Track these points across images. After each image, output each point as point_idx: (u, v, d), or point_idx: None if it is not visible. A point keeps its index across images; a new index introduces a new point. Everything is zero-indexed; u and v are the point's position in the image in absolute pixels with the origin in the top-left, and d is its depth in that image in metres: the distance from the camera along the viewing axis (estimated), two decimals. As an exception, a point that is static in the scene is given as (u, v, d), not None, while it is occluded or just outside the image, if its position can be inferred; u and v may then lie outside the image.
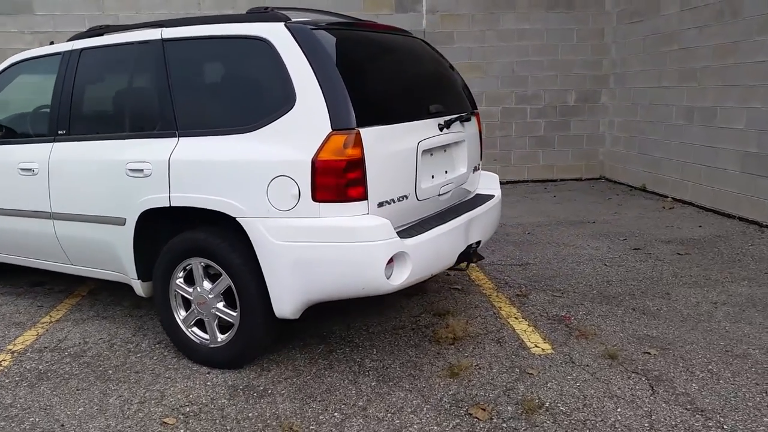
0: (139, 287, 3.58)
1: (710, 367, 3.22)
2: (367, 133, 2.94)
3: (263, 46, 3.08)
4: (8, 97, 4.17)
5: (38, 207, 3.82)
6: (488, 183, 4.25)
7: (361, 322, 3.92)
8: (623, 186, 8.71)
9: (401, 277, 3.01)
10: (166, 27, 3.48)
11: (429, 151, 3.43)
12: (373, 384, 3.15)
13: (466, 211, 3.63)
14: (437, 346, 3.56)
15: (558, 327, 3.77)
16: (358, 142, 2.89)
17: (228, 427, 2.80)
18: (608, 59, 8.97)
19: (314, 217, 2.92)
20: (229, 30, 3.23)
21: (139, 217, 3.36)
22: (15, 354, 3.63)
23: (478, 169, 4.14)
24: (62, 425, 2.86)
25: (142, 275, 3.54)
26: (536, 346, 3.51)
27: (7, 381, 3.31)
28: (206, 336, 3.37)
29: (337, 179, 2.88)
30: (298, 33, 3.03)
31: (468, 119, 3.82)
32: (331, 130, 2.88)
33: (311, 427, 2.78)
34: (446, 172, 3.65)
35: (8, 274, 5.07)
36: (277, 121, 3.00)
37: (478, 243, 3.74)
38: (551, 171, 9.28)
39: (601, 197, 7.98)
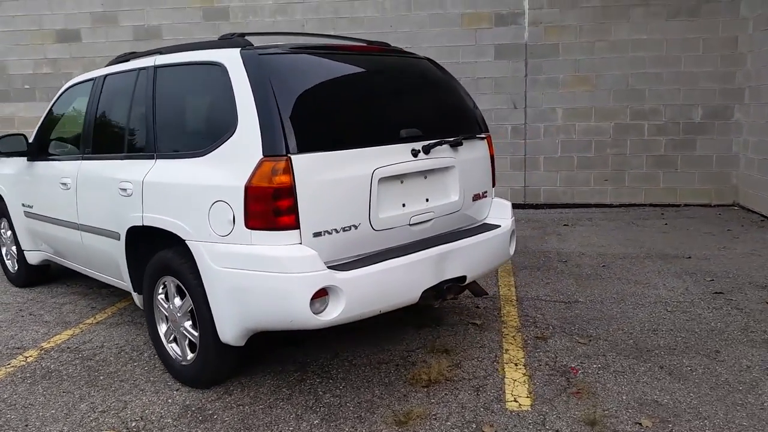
0: (136, 299, 3.77)
1: (705, 452, 2.64)
2: (301, 160, 2.83)
3: (219, 71, 3.12)
4: (67, 116, 4.64)
5: (71, 218, 4.20)
6: (498, 211, 3.89)
7: (351, 352, 3.78)
8: (756, 215, 7.53)
9: (333, 313, 2.85)
10: (162, 53, 3.66)
11: (398, 178, 3.23)
12: (315, 422, 3.01)
13: (444, 243, 3.34)
14: (409, 387, 3.32)
15: (556, 380, 3.33)
16: (287, 170, 2.79)
17: (154, 448, 2.84)
18: (743, 71, 7.82)
19: (247, 244, 2.88)
20: (198, 56, 3.32)
21: (127, 233, 3.55)
22: (42, 351, 4.01)
23: (484, 196, 3.80)
24: (26, 425, 3.09)
25: (137, 288, 3.73)
26: (515, 401, 3.13)
27: (19, 376, 3.66)
28: (180, 353, 3.46)
29: (266, 207, 2.80)
30: (247, 59, 3.02)
31: (459, 144, 3.53)
32: (262, 156, 2.82)
33: (226, 459, 2.72)
34: (427, 200, 3.40)
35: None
36: (222, 145, 3.01)
37: (462, 279, 3.42)
38: (673, 195, 8.29)
39: (719, 228, 6.95)
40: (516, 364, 3.54)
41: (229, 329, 3.01)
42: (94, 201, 3.91)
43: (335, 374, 3.51)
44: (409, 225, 3.29)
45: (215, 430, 2.97)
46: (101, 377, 3.60)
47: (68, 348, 4.05)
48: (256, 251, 2.84)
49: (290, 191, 2.80)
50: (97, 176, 3.89)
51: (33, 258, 5.10)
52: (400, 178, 3.25)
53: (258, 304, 2.89)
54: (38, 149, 4.70)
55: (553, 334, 3.96)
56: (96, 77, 4.19)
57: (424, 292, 3.22)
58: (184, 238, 3.12)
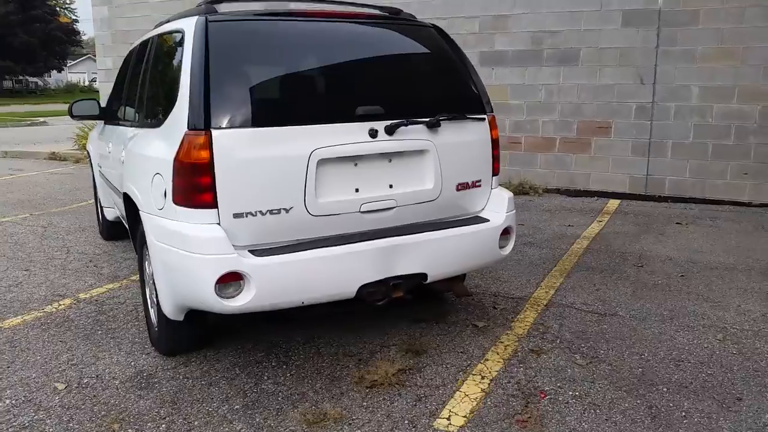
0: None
1: None
2: (223, 136, 2.72)
3: (181, 39, 3.08)
4: (120, 83, 4.94)
5: (112, 179, 4.52)
6: (494, 204, 3.43)
7: (327, 338, 3.64)
8: None
9: (242, 300, 2.74)
10: (168, 22, 3.71)
11: (351, 160, 2.97)
12: (236, 407, 2.94)
13: (400, 235, 3.03)
14: (351, 386, 3.11)
15: (512, 403, 2.91)
16: (205, 145, 2.69)
17: (84, 406, 2.97)
18: None
19: (173, 220, 2.85)
20: (174, 25, 3.31)
21: (123, 197, 3.72)
22: (75, 301, 4.40)
23: (476, 186, 3.37)
24: (8, 367, 3.41)
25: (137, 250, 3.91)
26: (447, 419, 2.79)
27: (41, 321, 4.05)
28: (155, 319, 3.57)
29: (186, 183, 2.75)
30: (197, 26, 2.94)
31: (436, 125, 3.14)
32: (186, 130, 2.75)
33: (129, 431, 2.77)
34: (390, 186, 3.09)
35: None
36: (169, 117, 3.00)
37: (421, 277, 3.09)
38: (833, 196, 6.80)
39: None
40: (483, 378, 3.15)
41: (166, 303, 3.04)
42: (114, 165, 4.16)
43: (294, 360, 3.40)
44: (360, 212, 3.03)
45: (147, 398, 3.03)
46: (99, 332, 3.85)
47: (96, 301, 4.39)
48: (177, 228, 2.81)
49: (207, 168, 2.71)
50: (117, 142, 4.13)
51: (108, 214, 5.60)
52: (353, 160, 2.99)
53: (178, 283, 2.87)
54: (107, 113, 5.10)
55: (554, 349, 3.46)
56: (134, 46, 4.41)
57: (365, 287, 2.96)
58: (138, 207, 3.19)
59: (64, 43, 54.71)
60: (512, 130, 8.26)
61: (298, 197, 2.87)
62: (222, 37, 2.89)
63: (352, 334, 3.70)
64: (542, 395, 2.98)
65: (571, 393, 2.99)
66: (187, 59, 2.89)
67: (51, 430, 2.79)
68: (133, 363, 3.41)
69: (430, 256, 3.10)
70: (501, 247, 3.40)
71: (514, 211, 3.49)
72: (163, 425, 2.81)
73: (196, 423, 2.82)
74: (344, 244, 2.91)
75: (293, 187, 2.85)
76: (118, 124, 4.40)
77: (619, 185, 7.81)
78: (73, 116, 5.08)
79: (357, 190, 3.02)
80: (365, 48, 3.24)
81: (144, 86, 3.65)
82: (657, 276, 4.73)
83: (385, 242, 2.98)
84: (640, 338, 3.60)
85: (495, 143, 3.43)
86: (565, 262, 5.12)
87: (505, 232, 3.40)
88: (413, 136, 3.11)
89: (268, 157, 2.79)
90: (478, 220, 3.34)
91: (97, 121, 5.71)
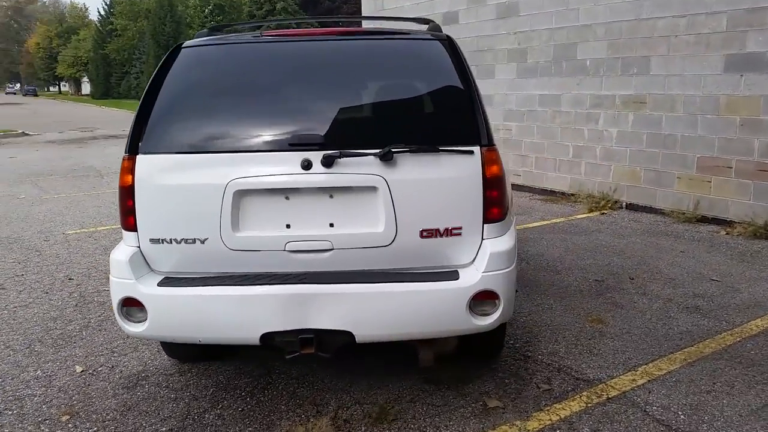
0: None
1: None
2: (145, 161, 2.73)
3: None
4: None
5: None
6: (483, 258, 2.69)
7: (317, 379, 3.38)
8: None
9: (140, 327, 2.70)
10: None
11: (281, 193, 2.69)
12: (162, 431, 2.94)
13: (321, 283, 2.61)
14: (275, 438, 2.83)
15: None
16: (130, 169, 2.74)
17: (70, 392, 3.30)
18: None
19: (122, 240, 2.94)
20: None
21: None
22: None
23: (450, 234, 2.70)
24: (75, 343, 3.98)
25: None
26: None
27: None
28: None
29: (120, 205, 2.84)
30: (169, 53, 2.98)
31: (387, 156, 2.61)
32: (124, 153, 2.81)
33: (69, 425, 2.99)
34: (331, 225, 2.69)
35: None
36: None
37: (349, 335, 2.62)
38: None
39: None
40: (413, 473, 2.56)
41: None
42: None
43: (265, 395, 3.24)
44: (285, 251, 2.70)
45: (117, 398, 3.24)
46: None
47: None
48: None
49: (130, 191, 2.75)
50: None
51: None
52: (283, 193, 2.69)
53: None
54: None
55: (544, 461, 2.62)
56: None
57: (274, 336, 2.64)
58: None
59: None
60: (762, 155, 6.40)
61: (213, 229, 2.70)
62: (184, 64, 2.90)
63: (346, 380, 3.35)
64: None
65: None
66: None
67: (28, 405, 3.18)
68: (149, 361, 3.66)
69: (358, 312, 2.61)
70: (477, 314, 2.67)
71: (506, 270, 2.68)
72: (94, 429, 2.96)
73: (120, 438, 2.90)
74: (248, 284, 2.64)
75: (208, 217, 2.70)
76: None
77: None
78: None
79: (288, 227, 2.71)
80: (320, 70, 2.86)
81: None
82: (833, 391, 3.18)
83: (298, 288, 2.61)
84: (685, 480, 2.49)
85: (492, 183, 2.69)
86: (713, 342, 3.80)
87: (485, 296, 2.65)
88: (358, 169, 2.65)
89: (184, 185, 2.70)
90: (444, 276, 2.68)
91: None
